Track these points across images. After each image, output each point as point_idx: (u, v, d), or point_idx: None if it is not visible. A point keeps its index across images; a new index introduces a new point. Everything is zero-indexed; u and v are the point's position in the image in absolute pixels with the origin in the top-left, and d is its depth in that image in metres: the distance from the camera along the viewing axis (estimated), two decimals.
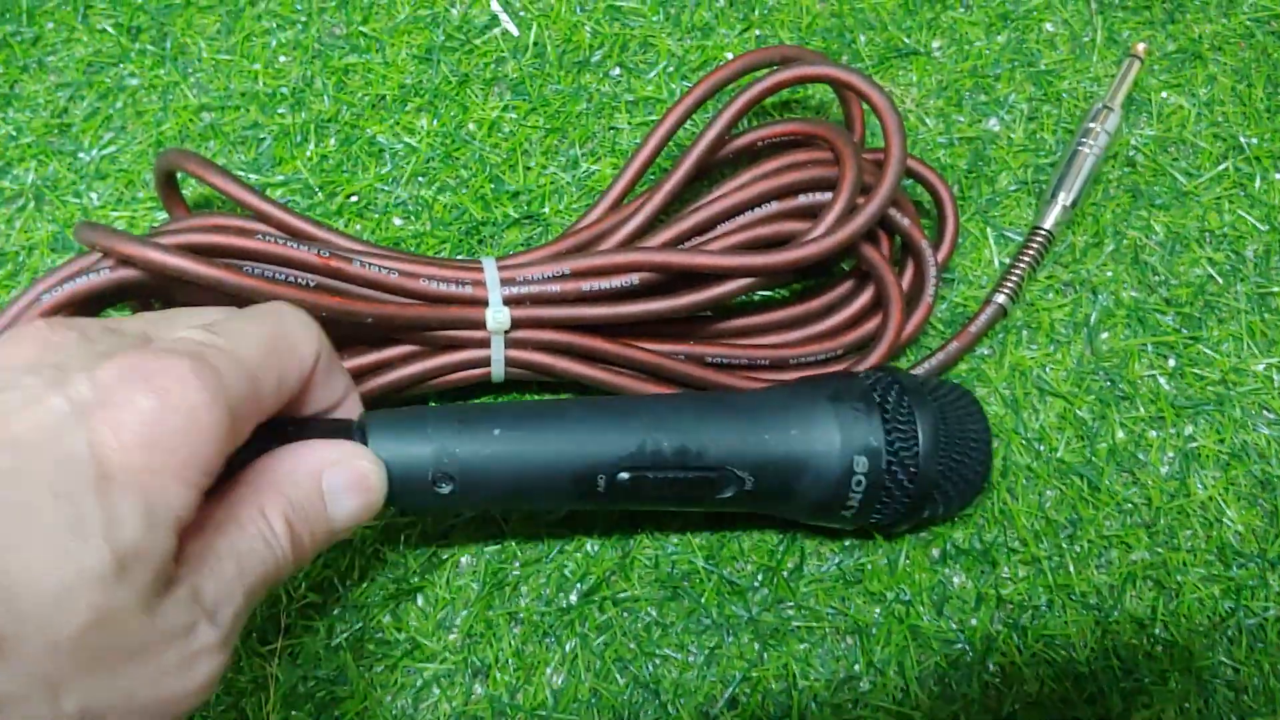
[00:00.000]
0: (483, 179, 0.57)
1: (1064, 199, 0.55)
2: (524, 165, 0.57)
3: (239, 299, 0.43)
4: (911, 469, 0.44)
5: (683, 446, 0.44)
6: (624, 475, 0.44)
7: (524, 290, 0.48)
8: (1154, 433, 0.53)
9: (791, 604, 0.49)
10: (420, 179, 0.57)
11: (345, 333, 0.47)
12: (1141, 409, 0.53)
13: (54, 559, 0.28)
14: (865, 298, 0.51)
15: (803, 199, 0.50)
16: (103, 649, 0.29)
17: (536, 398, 0.53)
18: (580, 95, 0.59)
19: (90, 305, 0.45)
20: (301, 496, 0.37)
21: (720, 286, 0.48)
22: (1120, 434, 0.53)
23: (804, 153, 0.50)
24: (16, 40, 0.59)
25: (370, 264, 0.46)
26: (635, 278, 0.48)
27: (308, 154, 0.57)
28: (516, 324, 0.48)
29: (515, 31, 0.60)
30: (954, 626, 0.49)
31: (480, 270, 0.48)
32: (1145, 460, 0.52)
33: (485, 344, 0.48)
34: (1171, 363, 0.54)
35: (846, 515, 0.46)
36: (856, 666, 0.49)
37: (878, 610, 0.49)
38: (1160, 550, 0.51)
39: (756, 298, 0.55)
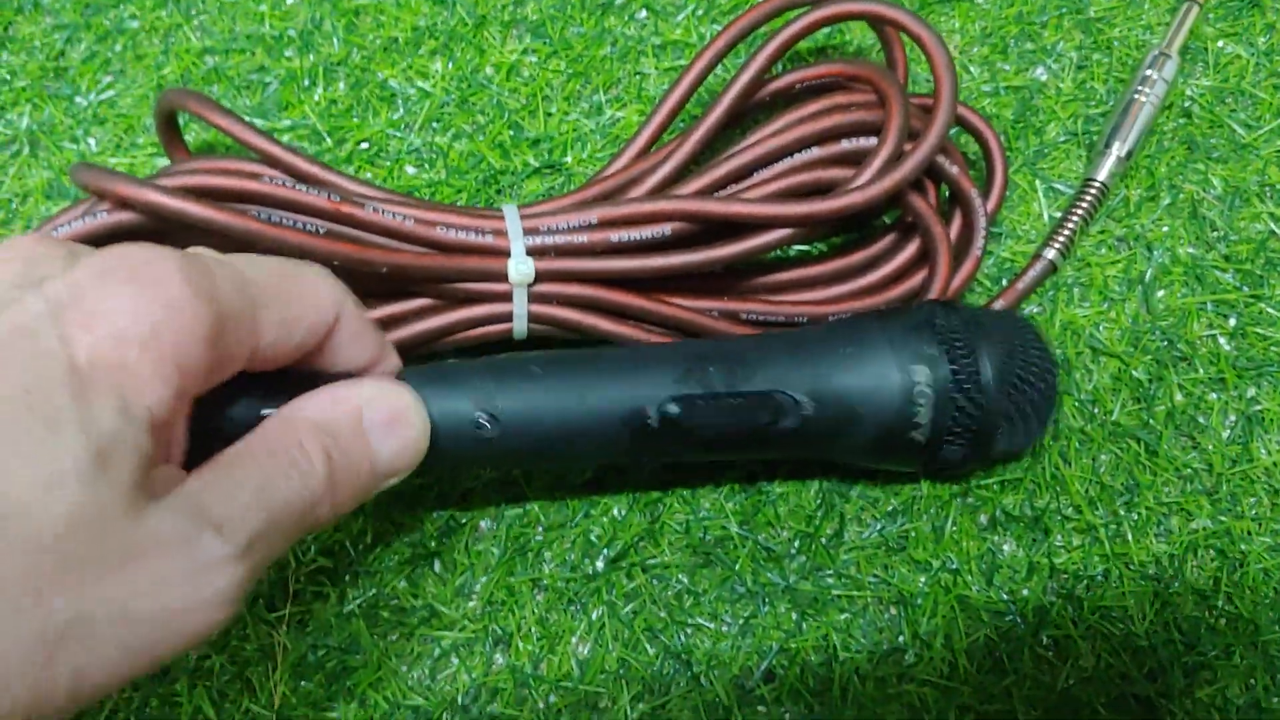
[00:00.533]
0: (501, 125, 0.54)
1: (1118, 149, 0.52)
2: (544, 111, 0.54)
3: (244, 245, 0.40)
4: (976, 389, 0.41)
5: (732, 370, 0.41)
6: (673, 407, 0.41)
7: (548, 240, 0.45)
8: (1214, 395, 0.50)
9: (831, 572, 0.46)
10: (434, 125, 0.54)
11: (358, 285, 0.43)
12: (1201, 370, 0.50)
13: (30, 456, 0.27)
14: (910, 250, 0.48)
15: (845, 144, 0.46)
16: (87, 550, 0.27)
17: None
18: (604, 38, 0.56)
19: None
20: (341, 430, 0.34)
21: (758, 238, 0.45)
22: (1179, 396, 0.50)
23: (844, 95, 0.47)
24: None
25: (384, 210, 0.43)
26: (667, 228, 0.45)
27: (316, 99, 0.54)
28: (540, 277, 0.45)
29: None
30: (1004, 597, 0.46)
31: (501, 219, 0.45)
32: (1206, 424, 0.49)
33: (507, 298, 0.45)
34: (1232, 322, 0.51)
35: (917, 440, 0.42)
36: (901, 638, 0.46)
37: (923, 579, 0.46)
38: (1223, 518, 0.47)
39: (794, 252, 0.52)
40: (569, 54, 0.55)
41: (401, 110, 0.54)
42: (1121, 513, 0.47)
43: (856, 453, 0.44)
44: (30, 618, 0.26)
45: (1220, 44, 0.56)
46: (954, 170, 0.48)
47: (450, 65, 0.55)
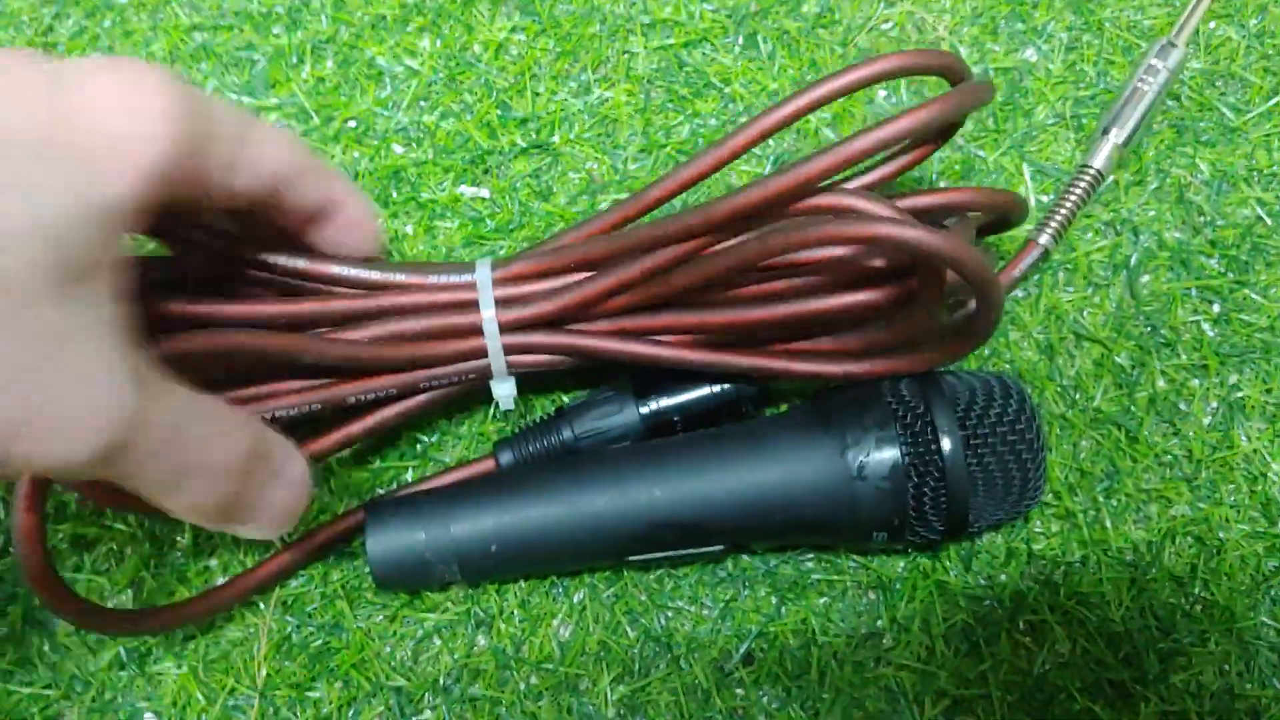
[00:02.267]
0: (489, 104, 0.54)
1: (1115, 136, 0.51)
2: (532, 90, 0.54)
3: None
4: (935, 467, 0.41)
5: (684, 529, 0.44)
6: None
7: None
8: (1196, 381, 0.50)
9: (811, 556, 0.47)
10: (422, 103, 0.54)
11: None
12: (1184, 356, 0.50)
13: (22, 189, 0.27)
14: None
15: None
16: (8, 320, 0.27)
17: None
18: (593, 16, 0.55)
19: None
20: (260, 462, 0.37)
21: None
22: (1161, 382, 0.50)
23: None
24: None
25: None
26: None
27: (303, 76, 0.54)
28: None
29: None
30: (982, 582, 0.47)
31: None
32: (1187, 410, 0.49)
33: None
34: (1216, 308, 0.51)
35: (880, 529, 0.43)
36: (879, 623, 0.46)
37: (902, 565, 0.47)
38: (1202, 505, 0.48)
39: None
40: (557, 32, 0.55)
41: (389, 88, 0.54)
42: (1100, 499, 0.48)
43: (825, 545, 0.47)
44: None
45: (1211, 25, 0.56)
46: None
47: (438, 43, 0.55)
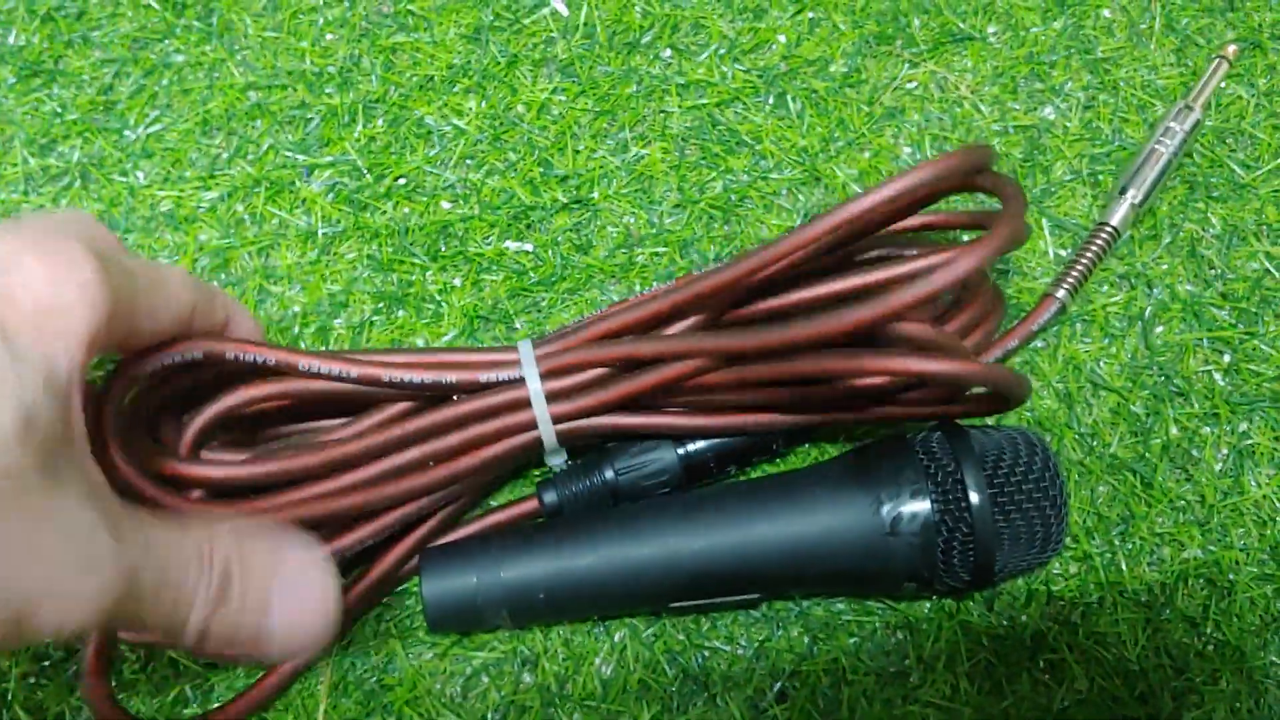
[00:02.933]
0: (531, 162, 0.56)
1: (1132, 196, 0.54)
2: (573, 149, 0.57)
3: None
4: (963, 519, 0.44)
5: (722, 580, 0.46)
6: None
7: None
8: (1208, 429, 0.52)
9: (842, 599, 0.49)
10: (468, 162, 0.56)
11: None
12: (1196, 405, 0.52)
13: None
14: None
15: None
16: (4, 513, 0.29)
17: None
18: (630, 77, 0.58)
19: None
20: (253, 572, 0.36)
21: None
22: (1174, 430, 0.52)
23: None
24: (61, 15, 0.59)
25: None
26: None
27: (355, 135, 0.56)
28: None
29: (565, 11, 0.59)
30: (1004, 623, 0.49)
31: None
32: (1199, 457, 0.52)
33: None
34: (1227, 358, 0.53)
35: (910, 578, 0.45)
36: (906, 661, 0.48)
37: (928, 606, 0.49)
38: (1213, 548, 0.50)
39: None
40: (596, 92, 0.58)
41: (438, 147, 0.56)
42: (1116, 542, 0.50)
43: (857, 594, 0.49)
44: None
45: (1222, 84, 0.59)
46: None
47: (484, 103, 0.57)
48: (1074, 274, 0.53)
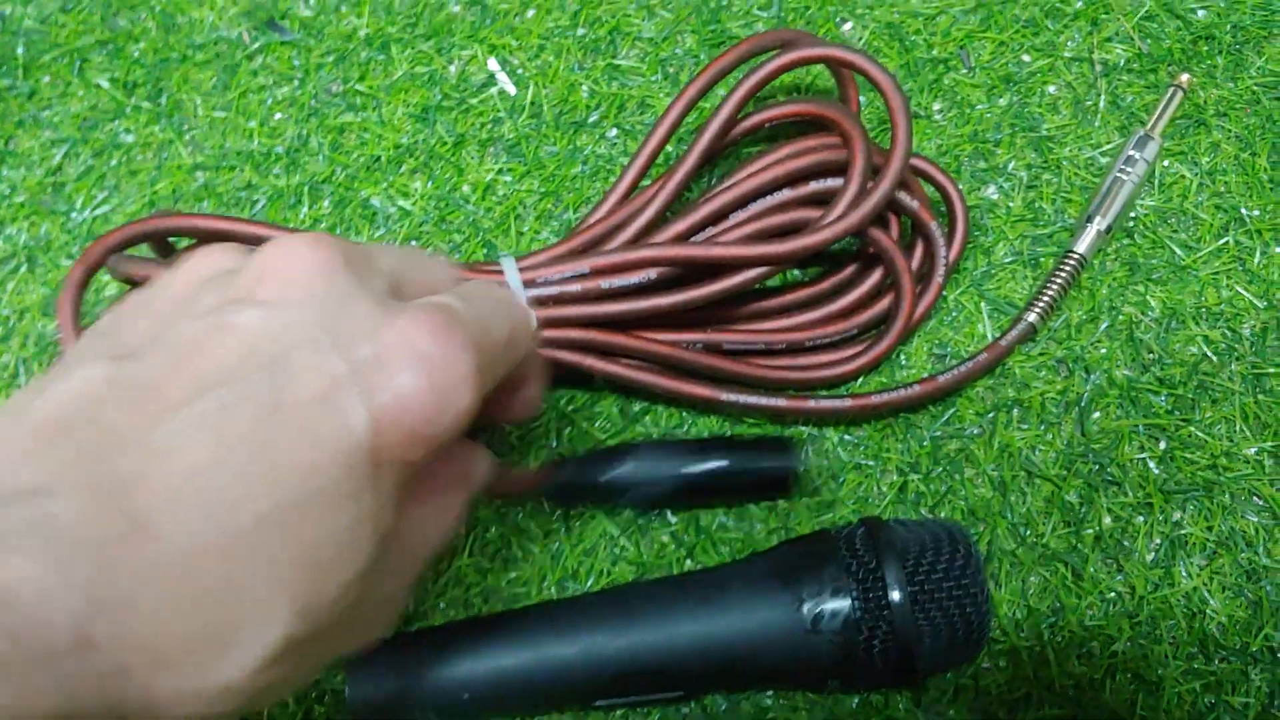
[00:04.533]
0: (476, 244, 0.57)
1: (1099, 224, 0.55)
2: (517, 230, 0.57)
3: None
4: (882, 615, 0.44)
5: (646, 678, 0.47)
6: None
7: (545, 291, 0.50)
8: (1141, 518, 0.53)
9: (770, 693, 0.50)
10: (413, 243, 0.57)
11: None
12: (1130, 494, 0.53)
13: (341, 540, 0.29)
14: (874, 278, 0.53)
15: (814, 185, 0.51)
16: (352, 619, 0.31)
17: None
18: (576, 157, 0.58)
19: None
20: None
21: (736, 277, 0.50)
22: (1107, 519, 0.53)
23: (812, 138, 0.52)
24: (12, 94, 0.59)
25: None
26: (652, 272, 0.50)
27: (301, 216, 0.57)
28: (540, 324, 0.50)
29: (512, 90, 0.59)
30: (932, 718, 0.49)
31: (500, 272, 0.50)
32: (1131, 548, 0.52)
33: None
34: (1162, 445, 0.54)
35: (832, 674, 0.46)
36: None
37: (854, 700, 0.50)
38: (1142, 642, 0.51)
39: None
40: (542, 173, 0.58)
41: (383, 228, 0.57)
42: (1046, 635, 0.51)
43: (779, 689, 0.50)
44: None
45: (1166, 163, 0.59)
46: (914, 204, 0.52)
47: (429, 184, 0.58)
48: (1044, 298, 0.54)
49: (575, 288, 0.50)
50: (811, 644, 0.45)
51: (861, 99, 0.56)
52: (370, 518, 0.30)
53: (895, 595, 0.44)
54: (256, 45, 0.60)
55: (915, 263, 0.53)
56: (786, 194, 0.51)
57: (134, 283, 0.46)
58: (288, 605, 0.28)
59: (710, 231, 0.51)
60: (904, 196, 0.52)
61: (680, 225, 0.51)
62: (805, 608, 0.45)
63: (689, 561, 0.52)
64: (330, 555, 0.29)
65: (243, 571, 0.27)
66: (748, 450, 0.51)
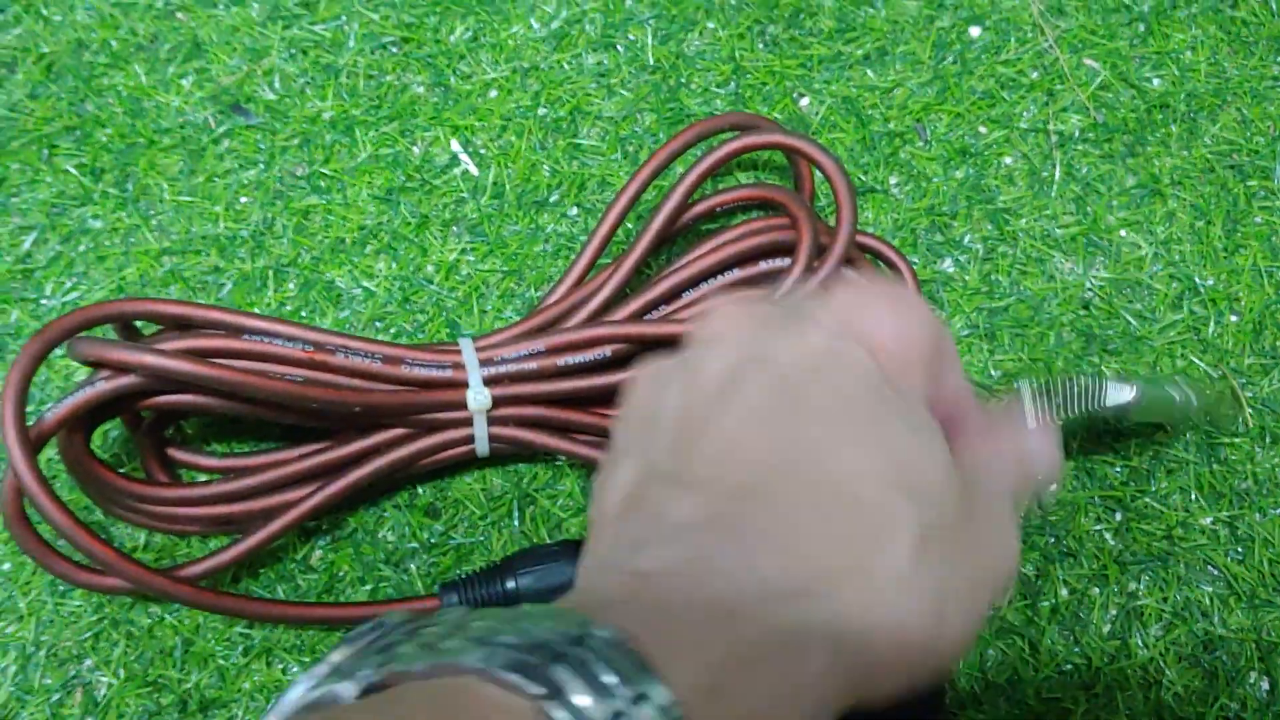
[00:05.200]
0: (440, 323, 0.57)
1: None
2: (480, 309, 0.58)
3: (233, 395, 0.48)
4: None
5: None
6: None
7: (502, 370, 0.51)
8: (1097, 590, 0.53)
9: None
10: (378, 324, 0.57)
11: (334, 421, 0.51)
12: (1085, 565, 0.54)
13: (908, 446, 0.30)
14: None
15: (763, 264, 0.53)
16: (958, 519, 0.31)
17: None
18: (538, 235, 0.59)
19: (94, 415, 0.48)
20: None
21: None
22: (1064, 591, 0.53)
23: (761, 220, 0.53)
24: None
25: (353, 354, 0.49)
26: (608, 350, 0.51)
27: (267, 299, 0.58)
28: (496, 402, 0.51)
29: (475, 171, 0.60)
30: None
31: (459, 352, 0.51)
32: (1087, 619, 0.53)
33: (468, 423, 0.51)
34: (1118, 517, 0.54)
35: None
36: None
37: None
38: (1100, 714, 0.51)
39: None
40: (505, 251, 0.59)
41: (347, 309, 0.58)
42: (1004, 709, 0.51)
43: None
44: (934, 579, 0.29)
45: (1122, 233, 0.60)
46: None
47: (394, 264, 0.58)
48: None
49: (532, 365, 0.51)
50: None
51: (818, 174, 0.57)
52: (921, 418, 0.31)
53: None
54: (222, 129, 0.61)
55: None
56: (736, 273, 0.52)
57: (91, 364, 0.46)
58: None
59: (664, 310, 0.52)
60: (851, 274, 0.53)
61: (635, 304, 0.52)
62: None
63: None
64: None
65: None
66: None
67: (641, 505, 0.30)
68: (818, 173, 0.55)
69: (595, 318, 0.52)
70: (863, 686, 0.28)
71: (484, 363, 0.51)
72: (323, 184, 0.60)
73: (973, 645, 0.31)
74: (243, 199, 0.60)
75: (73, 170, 0.60)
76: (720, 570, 0.27)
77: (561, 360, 0.51)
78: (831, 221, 0.52)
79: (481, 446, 0.51)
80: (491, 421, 0.51)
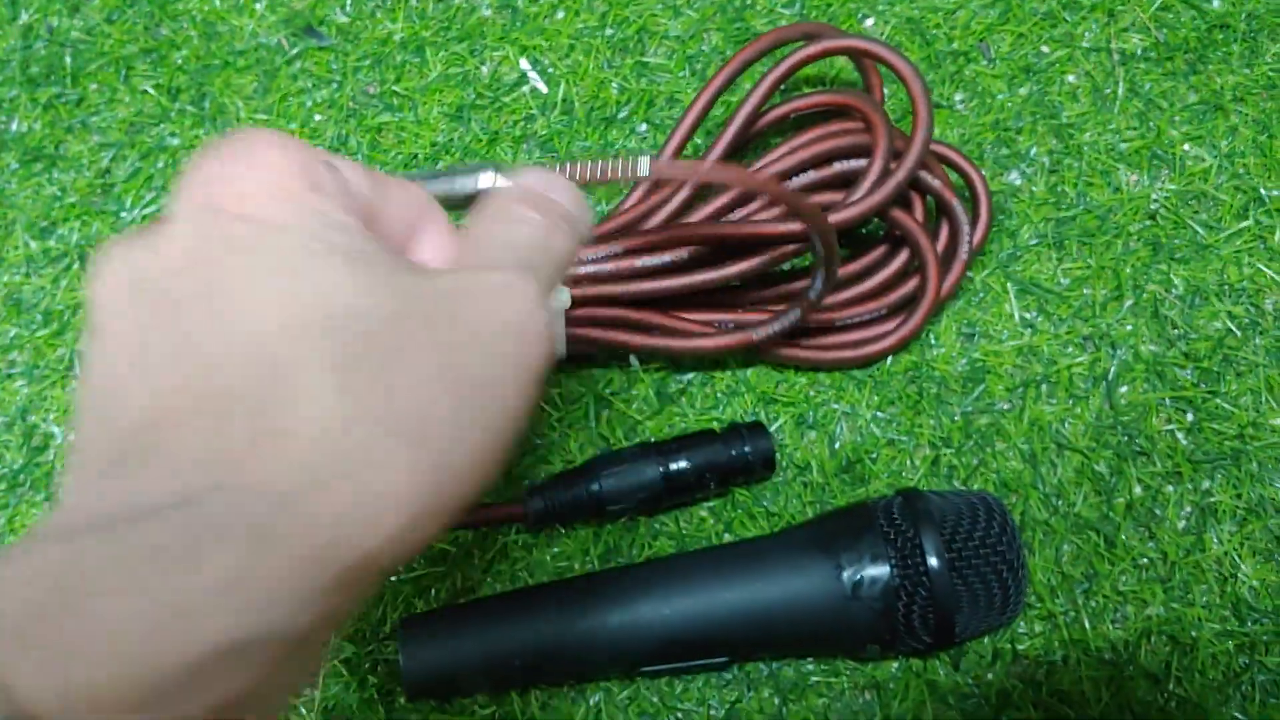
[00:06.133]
0: None
1: None
2: None
3: None
4: (922, 581, 0.46)
5: (691, 643, 0.48)
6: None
7: (580, 271, 0.52)
8: (1171, 488, 0.53)
9: (811, 660, 0.51)
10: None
11: None
12: (1159, 464, 0.54)
13: (336, 271, 0.28)
14: (901, 259, 0.55)
15: (838, 166, 0.53)
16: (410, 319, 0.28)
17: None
18: (608, 151, 0.60)
19: None
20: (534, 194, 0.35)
21: (764, 255, 0.52)
22: (1137, 489, 0.53)
23: (837, 123, 0.53)
24: (61, 102, 0.61)
25: None
26: (685, 251, 0.52)
27: None
28: (576, 303, 0.52)
29: (544, 89, 0.61)
30: (970, 681, 0.50)
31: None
32: (1162, 515, 0.53)
33: None
34: (1189, 417, 0.55)
35: (873, 640, 0.47)
36: None
37: (895, 666, 0.50)
38: (1175, 605, 0.51)
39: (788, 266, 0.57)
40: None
41: None
42: (1080, 601, 0.51)
43: (820, 655, 0.50)
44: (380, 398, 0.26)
45: (1185, 147, 0.60)
46: (936, 184, 0.53)
47: None
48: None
49: (609, 267, 0.51)
50: (851, 610, 0.46)
51: (886, 90, 0.57)
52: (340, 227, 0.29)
53: (934, 562, 0.45)
54: (295, 51, 0.62)
55: (941, 243, 0.54)
56: (813, 175, 0.53)
57: None
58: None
59: (740, 213, 0.53)
60: (927, 177, 0.53)
61: (711, 207, 0.52)
62: (845, 575, 0.46)
63: (727, 535, 0.53)
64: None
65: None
66: (722, 440, 0.52)
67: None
68: (887, 86, 0.55)
69: (669, 223, 0.53)
70: (342, 561, 0.25)
71: None
72: (395, 102, 0.61)
73: (511, 455, 0.29)
74: (317, 117, 0.61)
75: (150, 90, 0.61)
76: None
77: (639, 262, 0.52)
78: (904, 129, 0.53)
79: (560, 346, 0.52)
80: (570, 322, 0.52)
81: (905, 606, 0.46)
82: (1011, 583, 0.47)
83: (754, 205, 0.53)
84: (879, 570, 0.46)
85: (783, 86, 0.58)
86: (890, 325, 0.54)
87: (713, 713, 0.50)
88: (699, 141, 0.59)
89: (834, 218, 0.50)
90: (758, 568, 0.47)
